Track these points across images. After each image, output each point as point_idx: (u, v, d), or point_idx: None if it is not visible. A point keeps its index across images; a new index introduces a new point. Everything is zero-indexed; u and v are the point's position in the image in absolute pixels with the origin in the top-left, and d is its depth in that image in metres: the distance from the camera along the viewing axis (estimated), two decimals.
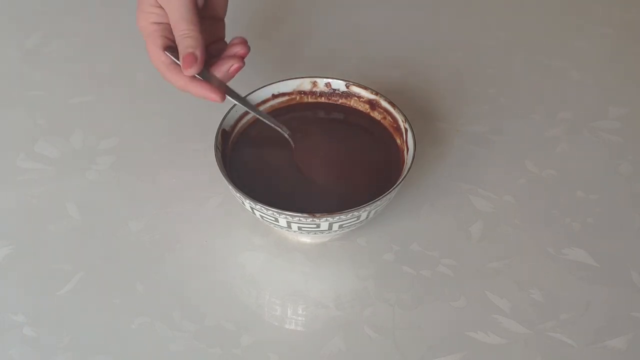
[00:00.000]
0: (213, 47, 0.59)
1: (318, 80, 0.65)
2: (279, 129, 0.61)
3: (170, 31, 0.56)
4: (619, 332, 0.56)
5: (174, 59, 0.56)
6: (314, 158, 0.61)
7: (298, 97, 0.66)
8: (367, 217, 0.56)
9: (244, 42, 0.58)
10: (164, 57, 0.56)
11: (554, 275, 0.59)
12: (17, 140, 0.69)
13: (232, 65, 0.57)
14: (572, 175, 0.67)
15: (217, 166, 0.57)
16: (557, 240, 0.62)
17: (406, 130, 0.61)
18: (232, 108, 0.61)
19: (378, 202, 0.55)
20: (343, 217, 0.54)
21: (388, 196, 0.55)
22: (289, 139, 0.61)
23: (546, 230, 0.62)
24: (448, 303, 0.57)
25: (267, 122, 0.61)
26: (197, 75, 0.56)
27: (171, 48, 0.56)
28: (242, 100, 0.60)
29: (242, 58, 0.58)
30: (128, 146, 0.69)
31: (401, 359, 0.54)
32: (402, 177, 0.57)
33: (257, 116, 0.61)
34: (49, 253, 0.60)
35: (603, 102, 0.74)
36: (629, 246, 0.61)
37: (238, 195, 0.55)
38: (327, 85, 0.65)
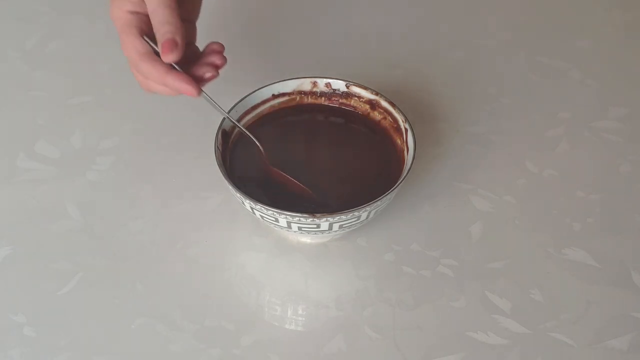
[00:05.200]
0: (185, 50, 0.58)
1: (318, 80, 0.65)
2: (250, 135, 0.60)
3: (146, 22, 0.53)
4: (619, 332, 0.56)
5: (153, 45, 0.53)
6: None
7: (298, 98, 0.66)
8: (367, 217, 0.56)
9: (221, 51, 0.56)
10: (140, 45, 0.53)
11: (554, 275, 0.59)
12: (17, 140, 0.69)
13: (207, 73, 0.55)
14: (572, 175, 0.67)
15: (217, 166, 0.57)
16: (557, 240, 0.62)
17: (406, 130, 0.61)
18: (231, 109, 0.61)
19: (378, 202, 0.55)
20: (343, 217, 0.54)
21: (388, 196, 0.55)
22: (261, 149, 0.59)
23: (546, 230, 0.62)
24: (448, 303, 0.57)
25: (241, 129, 0.60)
26: (174, 66, 0.53)
27: (148, 37, 0.54)
28: (215, 103, 0.58)
29: (217, 68, 0.55)
30: (128, 146, 0.69)
31: (401, 359, 0.54)
32: (402, 177, 0.57)
33: (229, 119, 0.59)
34: (49, 253, 0.60)
35: (603, 102, 0.74)
36: (629, 246, 0.61)
37: (238, 195, 0.55)
38: (327, 85, 0.65)
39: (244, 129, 0.59)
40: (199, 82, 0.54)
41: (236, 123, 0.59)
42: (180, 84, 0.52)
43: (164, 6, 0.52)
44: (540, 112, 0.73)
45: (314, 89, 0.65)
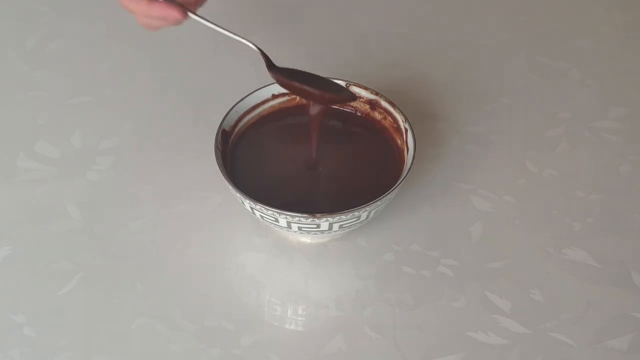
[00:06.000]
0: None
1: None
2: (248, 44, 0.59)
3: None
4: (619, 332, 0.56)
5: None
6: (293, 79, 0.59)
7: (298, 97, 0.66)
8: (367, 217, 0.56)
9: None
10: None
11: (554, 275, 0.59)
12: (17, 140, 0.69)
13: None
14: (572, 175, 0.67)
15: (217, 166, 0.57)
16: (557, 240, 0.62)
17: (406, 130, 0.61)
18: (232, 108, 0.61)
19: (378, 202, 0.55)
20: (343, 217, 0.54)
21: (388, 196, 0.55)
22: (262, 56, 0.59)
23: (546, 230, 0.62)
24: (448, 303, 0.57)
25: (234, 37, 0.59)
26: None
27: None
28: (205, 19, 0.58)
29: None
30: (128, 146, 0.69)
31: (401, 359, 0.54)
32: (402, 177, 0.57)
33: (223, 32, 0.58)
34: (49, 253, 0.60)
35: (603, 102, 0.74)
36: (629, 246, 0.61)
37: (238, 195, 0.55)
38: None
39: (239, 38, 0.58)
40: (191, 5, 0.56)
41: (227, 32, 0.58)
42: (164, 11, 0.55)
43: None
44: (540, 112, 0.73)
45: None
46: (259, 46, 0.59)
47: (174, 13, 0.55)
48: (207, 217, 0.63)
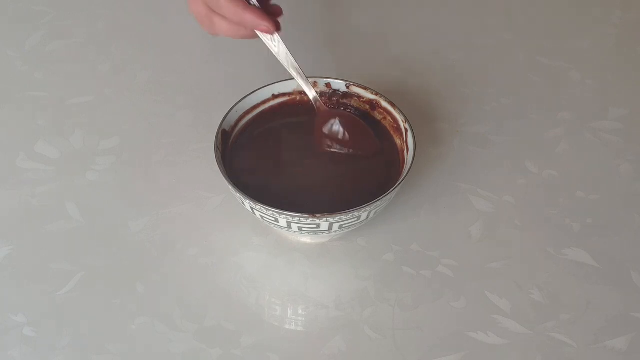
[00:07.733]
0: None
1: (318, 80, 0.65)
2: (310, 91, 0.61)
3: None
4: (619, 332, 0.56)
5: None
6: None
7: (298, 98, 0.66)
8: (367, 217, 0.56)
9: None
10: None
11: (554, 275, 0.59)
12: (17, 140, 0.69)
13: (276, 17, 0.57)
14: (572, 176, 0.67)
15: (217, 166, 0.57)
16: (557, 240, 0.62)
17: (406, 130, 0.61)
18: (232, 108, 0.61)
19: (378, 202, 0.55)
20: (343, 217, 0.54)
21: (388, 196, 0.55)
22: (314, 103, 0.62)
23: (546, 230, 0.62)
24: (448, 303, 0.57)
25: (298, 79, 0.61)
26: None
27: None
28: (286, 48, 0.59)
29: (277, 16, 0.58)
30: (128, 146, 0.69)
31: (401, 359, 0.54)
32: (402, 177, 0.57)
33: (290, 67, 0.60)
34: (49, 253, 0.60)
35: (603, 102, 0.74)
36: (629, 246, 0.61)
37: (238, 195, 0.55)
38: (328, 85, 0.65)
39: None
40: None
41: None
42: (259, 21, 0.55)
43: None
44: (540, 112, 0.73)
45: (314, 89, 0.65)
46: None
47: (268, 26, 0.55)
48: (207, 217, 0.63)
